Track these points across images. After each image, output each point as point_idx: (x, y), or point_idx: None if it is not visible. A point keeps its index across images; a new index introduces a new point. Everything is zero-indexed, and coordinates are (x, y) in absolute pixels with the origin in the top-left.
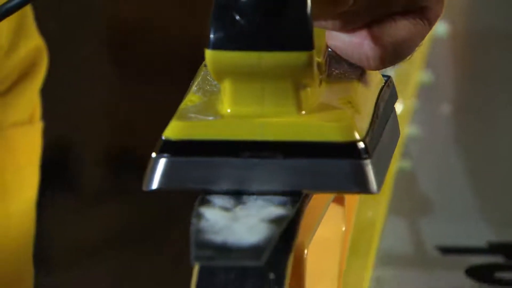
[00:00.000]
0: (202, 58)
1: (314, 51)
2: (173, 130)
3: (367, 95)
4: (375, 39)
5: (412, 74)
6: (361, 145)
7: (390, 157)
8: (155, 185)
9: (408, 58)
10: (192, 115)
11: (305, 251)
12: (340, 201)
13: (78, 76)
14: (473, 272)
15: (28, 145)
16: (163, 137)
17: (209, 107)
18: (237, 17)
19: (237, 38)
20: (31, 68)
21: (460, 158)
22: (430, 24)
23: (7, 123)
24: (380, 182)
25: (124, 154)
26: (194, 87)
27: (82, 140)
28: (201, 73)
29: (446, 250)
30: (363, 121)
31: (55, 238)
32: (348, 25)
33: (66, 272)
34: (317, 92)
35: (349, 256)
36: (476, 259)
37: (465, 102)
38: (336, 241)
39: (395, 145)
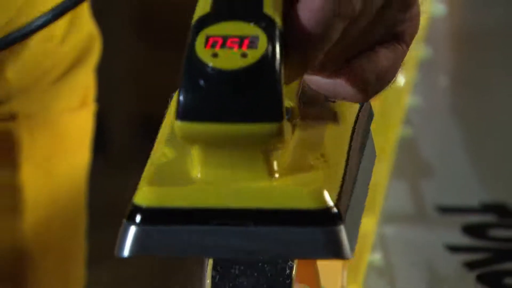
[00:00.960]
0: None
1: (284, 121)
2: (144, 197)
3: (341, 138)
4: (358, 76)
5: (412, 49)
6: (334, 210)
7: (365, 198)
8: (126, 252)
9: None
10: (163, 177)
11: None
12: None
13: (104, 46)
14: (468, 230)
15: (79, 130)
16: (134, 203)
17: (180, 167)
18: (205, 88)
19: (204, 110)
20: (84, 55)
21: (458, 126)
22: (408, 45)
23: (58, 108)
24: (353, 245)
25: (149, 120)
26: (166, 136)
27: (109, 107)
28: (171, 110)
29: (444, 210)
30: (336, 176)
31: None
32: (327, 69)
33: (97, 234)
34: (289, 148)
35: None
36: (471, 218)
37: (462, 74)
38: None
39: (372, 169)
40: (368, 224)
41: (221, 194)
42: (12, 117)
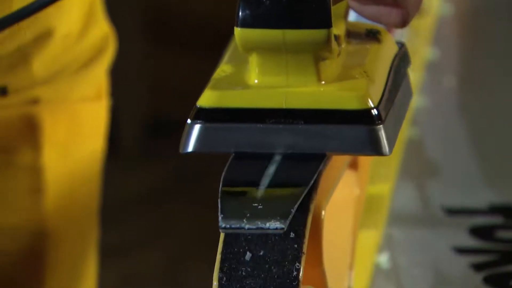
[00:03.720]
0: (225, 34)
1: (332, 28)
2: (207, 99)
3: (381, 64)
4: (400, 7)
5: (420, 50)
6: (375, 112)
7: (403, 116)
8: (190, 148)
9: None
10: (223, 84)
11: (323, 212)
12: (354, 167)
13: (116, 46)
14: (475, 231)
15: (94, 119)
16: (198, 105)
17: (238, 77)
18: None
19: (262, 17)
20: (99, 53)
21: (465, 126)
22: None
23: (75, 97)
24: (391, 144)
25: (158, 119)
26: (226, 58)
27: (120, 105)
28: (232, 45)
29: (451, 211)
30: (377, 89)
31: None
32: None
33: (107, 227)
34: (336, 63)
35: (363, 216)
36: (478, 219)
37: (469, 75)
38: (351, 203)
39: (408, 104)
40: (375, 225)
41: (276, 96)
42: (35, 101)
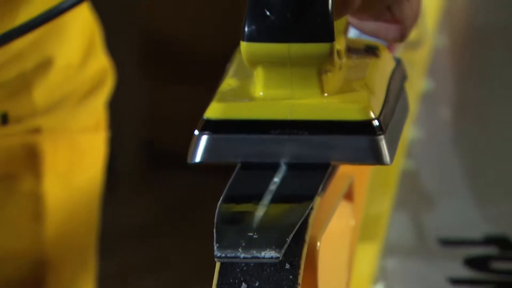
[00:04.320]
0: (219, 63)
1: (335, 42)
2: (213, 111)
3: (380, 77)
4: (398, 22)
5: (414, 81)
6: (376, 123)
7: (401, 129)
8: (198, 158)
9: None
10: (229, 97)
11: (318, 244)
12: (349, 198)
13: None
14: (470, 262)
15: (93, 149)
16: (205, 117)
17: (244, 90)
18: (268, 13)
19: (268, 32)
20: (98, 85)
21: (459, 158)
22: None
23: (75, 128)
24: (392, 154)
25: (155, 150)
26: (230, 72)
27: (117, 137)
28: (235, 59)
29: (446, 242)
30: (378, 101)
31: None
32: (369, 13)
33: (104, 256)
34: (338, 76)
35: (358, 247)
36: (473, 250)
37: (463, 107)
38: (346, 235)
39: (405, 118)
40: (370, 255)
41: (280, 108)
42: (37, 130)
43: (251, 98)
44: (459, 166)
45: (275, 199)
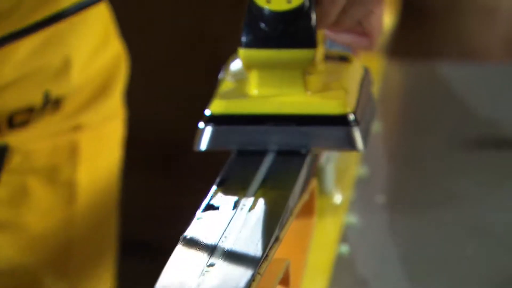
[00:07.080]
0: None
1: (318, 48)
2: (216, 107)
3: (353, 80)
4: (368, 34)
5: (349, 168)
6: (352, 116)
7: (371, 125)
8: (203, 147)
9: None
10: (229, 95)
11: None
12: (285, 283)
13: None
14: None
15: (114, 134)
16: (208, 112)
17: (240, 89)
18: (262, 26)
19: (262, 40)
20: (115, 71)
21: (394, 244)
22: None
23: (99, 117)
24: (365, 144)
25: (126, 239)
26: (227, 77)
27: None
28: (228, 65)
29: None
30: (352, 99)
31: None
32: (343, 27)
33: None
34: (319, 78)
35: None
36: None
37: (398, 193)
38: None
39: (374, 118)
40: None
41: (272, 104)
42: (79, 127)
43: (247, 96)
44: (393, 252)
45: (225, 256)
